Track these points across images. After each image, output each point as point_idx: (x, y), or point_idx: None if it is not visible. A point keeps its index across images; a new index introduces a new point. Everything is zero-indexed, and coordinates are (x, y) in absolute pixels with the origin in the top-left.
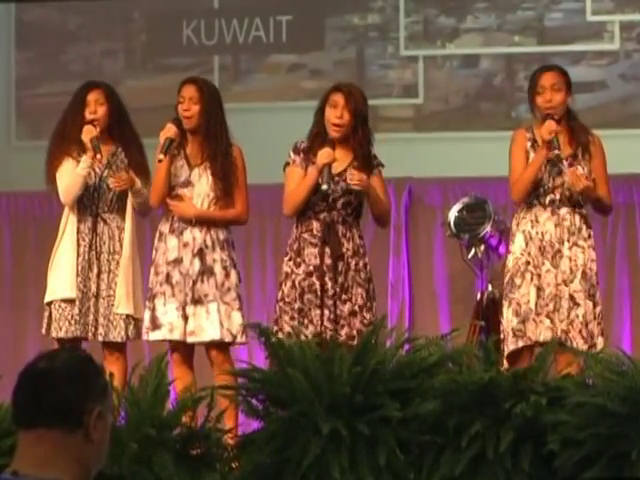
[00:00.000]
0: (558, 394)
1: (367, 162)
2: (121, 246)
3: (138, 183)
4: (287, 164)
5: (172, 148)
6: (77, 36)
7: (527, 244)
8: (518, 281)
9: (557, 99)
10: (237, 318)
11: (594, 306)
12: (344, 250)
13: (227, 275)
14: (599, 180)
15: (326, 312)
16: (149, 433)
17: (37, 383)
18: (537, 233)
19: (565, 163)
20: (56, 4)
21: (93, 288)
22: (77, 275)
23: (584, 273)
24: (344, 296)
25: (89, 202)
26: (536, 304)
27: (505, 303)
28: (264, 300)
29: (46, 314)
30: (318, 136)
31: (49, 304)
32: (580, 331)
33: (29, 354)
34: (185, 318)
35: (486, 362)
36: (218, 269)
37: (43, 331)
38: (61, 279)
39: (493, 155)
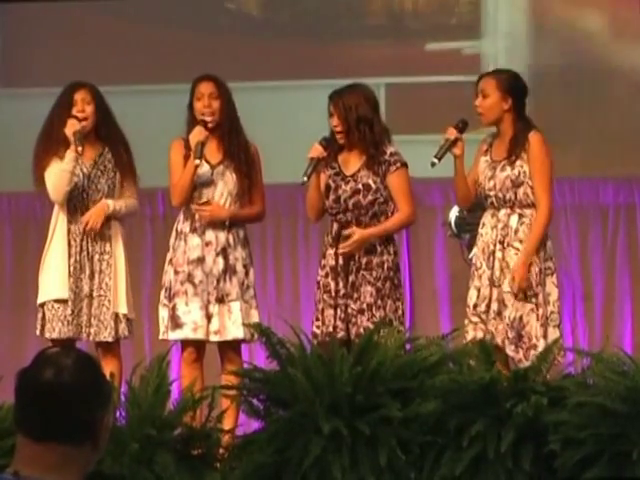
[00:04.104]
0: (559, 394)
1: (373, 162)
2: (111, 246)
3: (110, 207)
4: None
5: (204, 151)
6: None
7: (477, 247)
8: (470, 283)
9: (483, 105)
10: (255, 316)
11: (537, 307)
12: None
13: (247, 273)
14: (533, 181)
15: (338, 311)
16: (150, 433)
17: (48, 399)
18: (481, 235)
19: (500, 165)
20: None
21: (86, 289)
22: (69, 276)
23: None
24: (355, 295)
25: (79, 203)
26: (476, 305)
27: None
28: (264, 300)
29: (39, 315)
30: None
31: (42, 305)
32: (506, 332)
33: (29, 355)
34: (208, 317)
35: (487, 362)
36: (240, 267)
37: (37, 332)
38: (53, 280)
39: None
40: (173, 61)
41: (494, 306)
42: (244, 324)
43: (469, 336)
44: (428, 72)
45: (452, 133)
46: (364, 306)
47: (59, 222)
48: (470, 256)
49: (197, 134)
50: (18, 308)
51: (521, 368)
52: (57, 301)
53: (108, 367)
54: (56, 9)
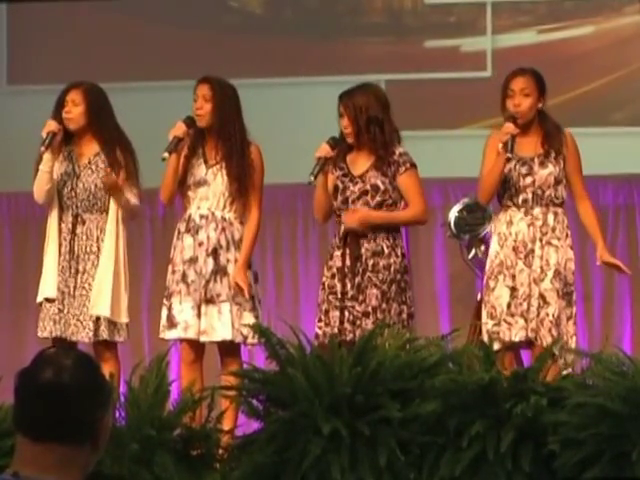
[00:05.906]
0: (558, 394)
1: (382, 163)
2: (98, 247)
3: (123, 191)
4: None
5: (179, 147)
6: None
7: (502, 246)
8: (492, 283)
9: (525, 104)
10: (248, 319)
11: (568, 305)
12: (363, 251)
13: None
14: (573, 178)
15: (345, 313)
16: (149, 434)
17: (48, 399)
18: (511, 234)
19: (536, 161)
20: None
21: (71, 288)
22: (58, 275)
23: (557, 272)
24: (360, 297)
25: (70, 202)
26: (509, 304)
27: (483, 306)
28: (263, 300)
29: (40, 315)
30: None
31: (40, 304)
32: (550, 330)
33: (29, 355)
34: (199, 317)
35: (486, 362)
36: (232, 269)
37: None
38: (45, 279)
39: None
40: (175, 59)
41: (535, 303)
42: (243, 325)
43: (506, 337)
44: (428, 69)
45: (514, 129)
46: (369, 309)
47: (53, 222)
48: (470, 256)
49: (175, 129)
50: (18, 308)
51: (521, 368)
52: (48, 300)
53: (105, 368)
54: (59, 7)
